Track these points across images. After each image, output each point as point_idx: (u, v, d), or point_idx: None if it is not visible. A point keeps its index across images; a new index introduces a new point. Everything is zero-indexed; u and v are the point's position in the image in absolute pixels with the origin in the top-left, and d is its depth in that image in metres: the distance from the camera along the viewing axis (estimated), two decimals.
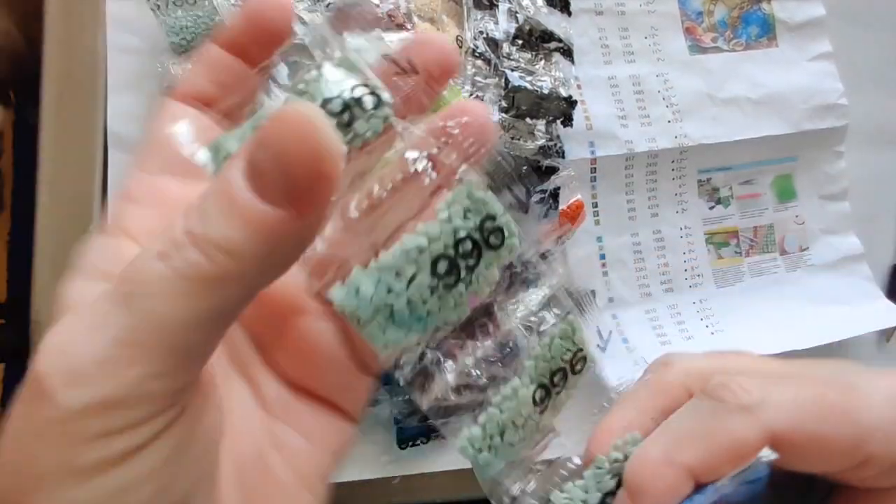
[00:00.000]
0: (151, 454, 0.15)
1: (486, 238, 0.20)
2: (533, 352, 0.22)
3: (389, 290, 0.19)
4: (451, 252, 0.20)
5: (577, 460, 0.22)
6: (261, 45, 0.20)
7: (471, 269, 0.20)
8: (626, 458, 0.21)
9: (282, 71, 0.43)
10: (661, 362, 0.23)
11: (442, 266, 0.20)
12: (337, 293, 0.18)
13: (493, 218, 0.20)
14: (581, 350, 0.23)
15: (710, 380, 0.20)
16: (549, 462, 0.23)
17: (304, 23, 0.40)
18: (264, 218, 0.14)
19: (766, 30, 0.53)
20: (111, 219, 0.19)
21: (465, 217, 0.20)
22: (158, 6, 0.42)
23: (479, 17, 0.45)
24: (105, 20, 0.44)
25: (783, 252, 0.52)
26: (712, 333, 0.50)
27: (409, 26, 0.41)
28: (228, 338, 0.18)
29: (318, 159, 0.14)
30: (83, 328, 0.15)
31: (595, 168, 0.49)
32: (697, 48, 0.52)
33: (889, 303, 0.51)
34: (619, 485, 0.21)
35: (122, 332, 0.14)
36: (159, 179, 0.19)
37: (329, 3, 0.40)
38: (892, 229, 0.55)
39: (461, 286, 0.20)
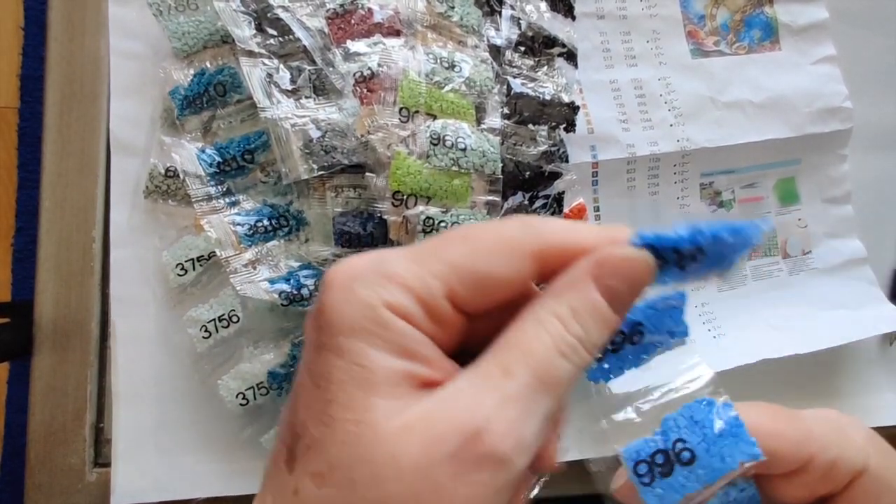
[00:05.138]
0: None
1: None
2: None
3: None
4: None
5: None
6: None
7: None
8: None
9: (284, 77, 0.43)
10: None
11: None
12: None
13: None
14: None
15: None
16: None
17: (305, 28, 0.40)
18: (615, 324, 0.22)
19: (769, 33, 0.53)
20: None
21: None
22: (161, 11, 0.42)
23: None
24: (107, 25, 0.45)
25: (786, 255, 0.52)
26: (714, 337, 0.49)
27: (406, 33, 0.41)
28: None
29: (647, 284, 0.22)
30: (520, 413, 0.20)
31: (597, 172, 0.49)
32: (700, 52, 0.52)
33: (892, 306, 0.51)
34: None
35: (549, 413, 0.20)
36: None
37: (329, 9, 0.40)
38: (895, 233, 0.55)
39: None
